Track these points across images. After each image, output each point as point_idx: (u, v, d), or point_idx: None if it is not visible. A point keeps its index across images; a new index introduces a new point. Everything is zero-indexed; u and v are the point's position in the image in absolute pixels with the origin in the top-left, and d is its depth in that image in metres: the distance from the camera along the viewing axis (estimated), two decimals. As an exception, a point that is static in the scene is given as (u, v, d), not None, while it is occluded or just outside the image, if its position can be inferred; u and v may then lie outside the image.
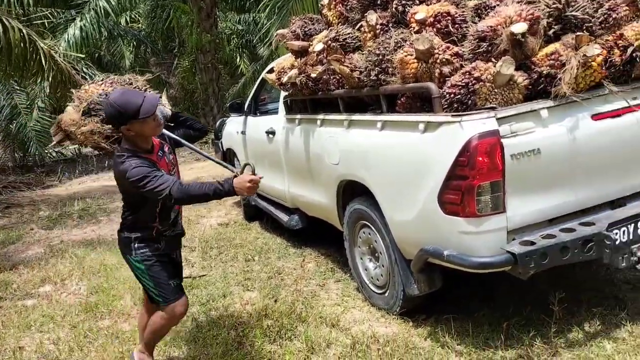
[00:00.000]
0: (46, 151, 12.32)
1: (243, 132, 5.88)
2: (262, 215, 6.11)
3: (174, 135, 3.12)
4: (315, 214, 4.65)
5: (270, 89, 5.66)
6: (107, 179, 10.58)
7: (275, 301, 3.90)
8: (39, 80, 7.32)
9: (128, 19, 17.80)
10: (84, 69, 9.26)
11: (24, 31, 5.85)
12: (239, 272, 4.63)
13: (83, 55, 10.05)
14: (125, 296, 4.20)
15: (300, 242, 5.21)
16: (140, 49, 17.49)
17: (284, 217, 5.14)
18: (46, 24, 10.37)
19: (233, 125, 6.36)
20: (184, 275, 4.60)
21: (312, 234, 5.10)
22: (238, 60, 18.00)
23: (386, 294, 3.60)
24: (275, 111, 5.10)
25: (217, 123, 7.34)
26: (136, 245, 2.81)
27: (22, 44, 5.83)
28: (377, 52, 3.30)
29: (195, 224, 6.44)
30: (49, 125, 11.63)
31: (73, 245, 5.90)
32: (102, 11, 11.23)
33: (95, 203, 8.16)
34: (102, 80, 3.33)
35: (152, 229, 2.82)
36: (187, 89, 15.45)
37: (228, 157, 6.80)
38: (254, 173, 2.68)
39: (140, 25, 18.60)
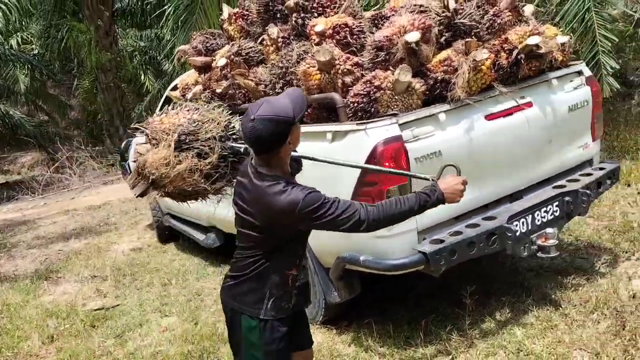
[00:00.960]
0: None
1: (151, 152, 5.67)
2: (177, 236, 5.92)
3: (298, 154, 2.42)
4: (232, 230, 4.56)
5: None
6: (5, 212, 9.82)
7: (196, 324, 3.78)
8: None
9: (19, 40, 16.70)
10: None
11: None
12: (155, 297, 4.44)
13: None
14: (32, 336, 3.90)
15: (219, 260, 5.10)
16: (35, 72, 16.45)
17: (200, 236, 5.01)
18: None
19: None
20: (95, 307, 4.42)
21: (231, 251, 5.00)
22: (143, 77, 17.37)
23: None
24: (182, 129, 4.96)
25: (123, 144, 7.04)
26: (270, 304, 2.09)
27: None
28: (281, 65, 3.32)
29: (105, 252, 6.12)
30: None
31: (-32, 287, 5.40)
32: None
33: (-7, 238, 7.54)
34: (172, 109, 2.56)
35: (287, 279, 2.13)
36: (90, 111, 14.70)
37: (137, 178, 6.54)
38: (459, 174, 2.20)
39: (33, 46, 17.51)
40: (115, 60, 13.13)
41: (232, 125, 2.47)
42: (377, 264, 2.82)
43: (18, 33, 16.29)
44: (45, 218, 8.58)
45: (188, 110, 2.51)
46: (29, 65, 15.72)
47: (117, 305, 4.38)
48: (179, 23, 7.03)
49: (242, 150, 2.31)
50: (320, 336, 3.40)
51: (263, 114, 1.95)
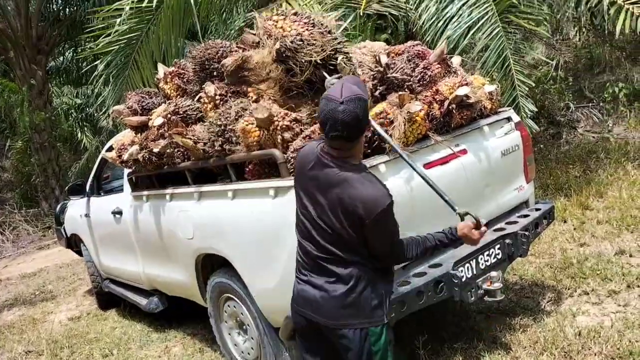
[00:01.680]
0: None
1: (87, 215, 5.45)
2: (119, 302, 5.63)
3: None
4: (175, 293, 4.39)
5: (113, 167, 5.36)
6: None
7: (140, 399, 3.55)
8: None
9: (-56, 100, 15.99)
10: None
11: None
12: (95, 372, 4.17)
13: None
14: None
15: (163, 325, 4.87)
16: (-37, 134, 15.74)
17: (142, 300, 4.79)
18: None
19: (75, 208, 5.88)
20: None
21: (175, 314, 4.80)
22: (79, 135, 16.94)
23: (259, 367, 3.47)
24: (120, 189, 4.81)
25: (57, 207, 6.74)
26: (387, 303, 2.06)
27: None
28: (219, 122, 3.28)
29: (41, 323, 5.75)
30: None
31: None
32: None
33: None
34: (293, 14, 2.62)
35: (391, 270, 2.14)
36: (23, 172, 14.07)
37: (74, 242, 6.25)
38: (478, 224, 2.25)
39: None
40: (50, 119, 12.76)
41: (336, 56, 2.58)
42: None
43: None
44: (-27, 290, 7.99)
45: (305, 23, 2.65)
46: (-44, 127, 15.05)
47: (53, 383, 4.07)
48: (110, 78, 6.93)
49: (332, 82, 2.34)
50: (273, 400, 3.26)
51: (351, 95, 1.91)
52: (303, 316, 2.17)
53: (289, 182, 2.83)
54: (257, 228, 3.11)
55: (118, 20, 6.49)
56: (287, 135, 2.93)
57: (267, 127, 2.95)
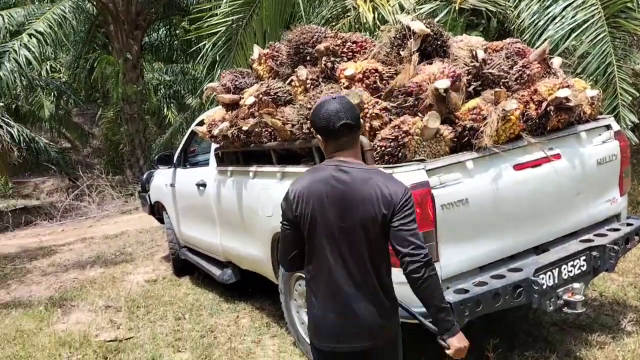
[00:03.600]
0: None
1: (172, 185, 5.73)
2: (193, 270, 5.90)
3: None
4: (249, 267, 4.54)
5: (200, 141, 5.59)
6: (23, 236, 9.90)
7: (209, 362, 3.72)
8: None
9: (48, 68, 17.21)
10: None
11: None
12: (168, 332, 4.39)
13: (2, 104, 9.57)
14: (42, 366, 3.86)
15: (233, 296, 5.06)
16: (61, 100, 16.88)
17: (216, 271, 4.99)
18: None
19: (161, 177, 6.19)
20: (108, 338, 4.38)
21: (246, 288, 4.97)
22: (165, 110, 17.75)
23: (324, 349, 3.53)
24: (205, 163, 5.02)
25: (144, 175, 7.12)
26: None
27: None
28: (309, 105, 3.34)
29: (120, 282, 6.11)
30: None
31: (-17, 311, 5.41)
32: (24, 60, 10.79)
33: (11, 263, 7.57)
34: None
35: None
36: (112, 140, 14.93)
37: (157, 210, 6.59)
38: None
39: (61, 75, 18.03)
40: (141, 92, 13.44)
41: None
42: (401, 312, 2.75)
43: (48, 62, 16.80)
44: (61, 245, 8.63)
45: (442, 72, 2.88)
46: (56, 93, 16.17)
47: (131, 337, 4.33)
48: (217, 58, 7.21)
49: None
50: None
51: (335, 95, 2.03)
52: None
53: (374, 169, 2.86)
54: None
55: (223, 2, 6.77)
56: (375, 123, 2.95)
57: (357, 113, 2.97)
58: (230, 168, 4.39)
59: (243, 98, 3.96)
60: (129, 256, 7.33)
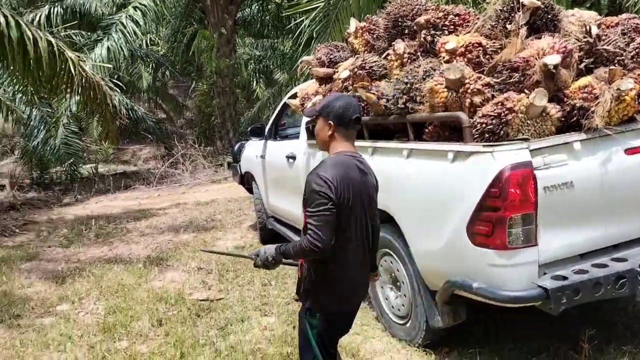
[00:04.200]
0: (64, 169, 12.48)
1: (262, 156, 5.89)
2: (279, 240, 6.06)
3: None
4: (334, 240, 4.60)
5: (292, 114, 5.69)
6: (123, 199, 10.63)
7: (294, 328, 3.83)
8: (67, 96, 7.39)
9: (147, 41, 18.11)
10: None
11: (53, 42, 5.86)
12: (256, 296, 4.58)
13: (110, 66, 10.23)
14: (143, 317, 4.16)
15: (317, 268, 5.16)
16: (158, 72, 17.76)
17: (302, 242, 5.10)
18: (75, 43, 10.61)
19: (252, 148, 6.39)
20: (200, 297, 4.64)
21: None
22: (254, 84, 18.20)
23: (407, 325, 3.54)
24: (296, 136, 5.11)
25: (236, 146, 7.37)
26: None
27: (51, 55, 5.83)
28: (406, 80, 3.30)
29: (211, 246, 6.42)
30: (72, 143, 11.85)
31: (90, 263, 5.89)
32: (130, 32, 11.45)
33: (113, 223, 8.18)
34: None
35: None
36: (205, 112, 15.57)
37: (246, 180, 6.82)
38: None
39: (159, 48, 18.92)
40: (233, 66, 13.84)
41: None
42: (491, 294, 2.70)
43: (148, 34, 17.66)
44: (158, 209, 9.18)
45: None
46: (154, 65, 17.01)
47: (221, 298, 4.56)
48: (314, 34, 7.28)
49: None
50: (417, 359, 3.32)
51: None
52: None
53: (472, 147, 2.79)
54: (429, 190, 3.12)
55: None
56: (476, 99, 2.86)
57: (456, 88, 2.90)
58: (320, 141, 4.43)
59: (337, 72, 3.97)
60: (219, 223, 7.67)
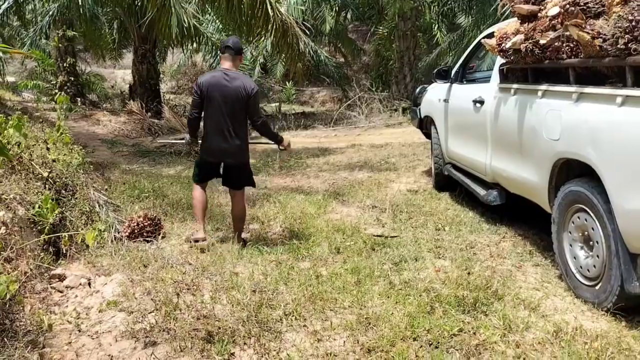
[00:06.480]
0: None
1: (446, 100, 5.76)
2: (453, 187, 5.98)
3: None
4: (518, 192, 4.40)
5: (482, 57, 5.42)
6: (303, 136, 11.28)
7: (469, 274, 3.79)
8: (262, 38, 7.94)
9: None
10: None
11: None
12: (429, 239, 4.61)
13: (304, 8, 10.69)
14: (322, 244, 4.46)
15: (494, 219, 5.01)
16: (340, 15, 18.06)
17: (480, 190, 4.97)
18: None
19: (434, 92, 6.26)
20: (375, 233, 4.81)
21: (508, 212, 4.86)
22: (435, 29, 17.60)
23: (597, 287, 3.29)
24: (486, 80, 4.88)
25: (417, 90, 7.30)
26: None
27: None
28: (630, 17, 2.91)
29: (384, 187, 6.57)
30: (259, 83, 12.81)
31: (276, 191, 6.44)
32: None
33: (294, 157, 8.76)
34: None
35: None
36: (383, 56, 15.58)
37: (425, 124, 6.75)
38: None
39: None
40: (417, 9, 13.52)
41: None
42: None
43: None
44: (334, 148, 9.60)
45: None
46: (337, 8, 17.32)
47: (395, 236, 4.68)
48: None
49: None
50: (604, 323, 3.10)
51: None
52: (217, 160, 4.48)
53: None
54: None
55: None
56: None
57: (699, 26, 2.49)
58: (515, 85, 4.19)
59: (544, 9, 3.66)
60: (392, 166, 7.78)
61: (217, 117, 4.23)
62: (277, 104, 14.72)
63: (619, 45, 2.95)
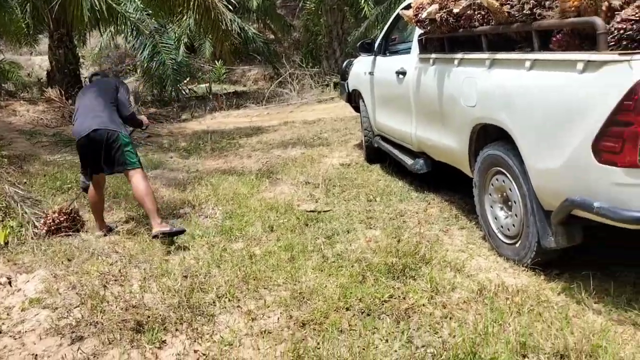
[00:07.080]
0: (181, 88, 13.19)
1: (371, 73, 5.81)
2: (384, 158, 6.09)
3: None
4: (442, 159, 4.53)
5: (403, 29, 5.49)
6: (235, 116, 11.11)
7: (399, 241, 3.89)
8: (185, 17, 7.69)
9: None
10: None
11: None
12: (361, 210, 4.68)
13: None
14: (256, 223, 4.44)
15: (422, 187, 5.14)
16: (267, -10, 17.73)
17: (408, 160, 5.08)
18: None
19: (360, 65, 6.30)
20: (308, 209, 4.83)
21: (437, 178, 5.01)
22: (362, 2, 17.62)
23: (517, 245, 3.46)
24: (407, 51, 4.95)
25: (344, 63, 7.31)
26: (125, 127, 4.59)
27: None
28: (534, -17, 3.02)
29: (317, 163, 6.59)
30: (187, 63, 12.43)
31: (208, 173, 6.32)
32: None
33: (226, 138, 8.62)
34: None
35: None
36: (312, 32, 15.49)
37: (354, 98, 6.80)
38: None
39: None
40: (342, -18, 13.48)
41: None
42: (614, 214, 2.54)
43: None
44: (267, 126, 9.52)
45: None
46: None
47: (328, 210, 4.73)
48: None
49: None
50: (525, 278, 3.27)
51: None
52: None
53: (606, 56, 2.54)
54: (553, 104, 2.92)
55: None
56: (616, 2, 2.57)
57: (593, -10, 2.61)
58: (433, 55, 4.27)
59: (456, -22, 3.72)
60: (325, 141, 7.82)
61: (85, 104, 4.74)
62: (207, 84, 14.38)
63: (525, 11, 3.06)
